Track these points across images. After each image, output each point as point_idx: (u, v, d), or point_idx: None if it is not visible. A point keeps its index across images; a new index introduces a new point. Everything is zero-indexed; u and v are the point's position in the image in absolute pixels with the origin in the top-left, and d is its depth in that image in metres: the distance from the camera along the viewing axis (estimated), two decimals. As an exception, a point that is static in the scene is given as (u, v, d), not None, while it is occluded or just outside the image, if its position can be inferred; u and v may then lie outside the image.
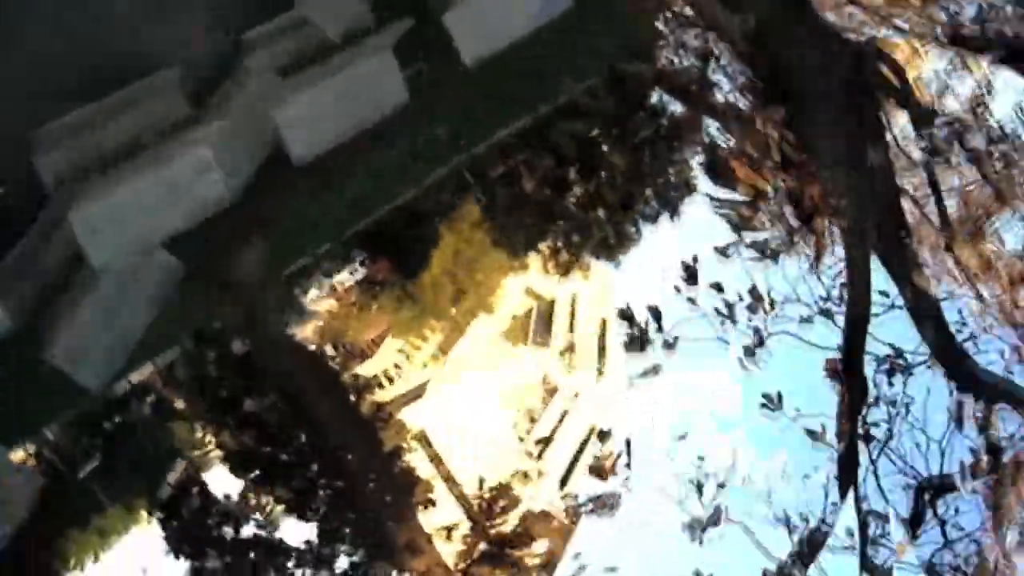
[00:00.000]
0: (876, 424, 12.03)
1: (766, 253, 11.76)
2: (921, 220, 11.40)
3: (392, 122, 10.40)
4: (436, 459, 13.74)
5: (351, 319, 13.32)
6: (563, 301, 14.71)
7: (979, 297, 11.25)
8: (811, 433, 12.18)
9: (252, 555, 12.05)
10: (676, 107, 11.99)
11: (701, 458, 12.03)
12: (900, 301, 11.58)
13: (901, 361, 11.90)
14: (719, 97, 11.82)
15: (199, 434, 12.31)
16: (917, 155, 11.21)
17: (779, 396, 12.18)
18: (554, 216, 12.23)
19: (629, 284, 13.33)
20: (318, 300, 13.03)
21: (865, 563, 11.95)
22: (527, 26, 9.99)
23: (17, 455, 10.44)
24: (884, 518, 11.91)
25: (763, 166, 11.22)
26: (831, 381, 12.06)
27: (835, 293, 11.90)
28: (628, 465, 12.42)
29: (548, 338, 14.40)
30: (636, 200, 12.08)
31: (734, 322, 12.01)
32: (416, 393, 14.01)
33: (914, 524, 11.91)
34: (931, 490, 11.88)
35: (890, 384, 11.99)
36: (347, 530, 12.33)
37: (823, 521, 12.12)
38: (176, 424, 12.15)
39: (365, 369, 13.53)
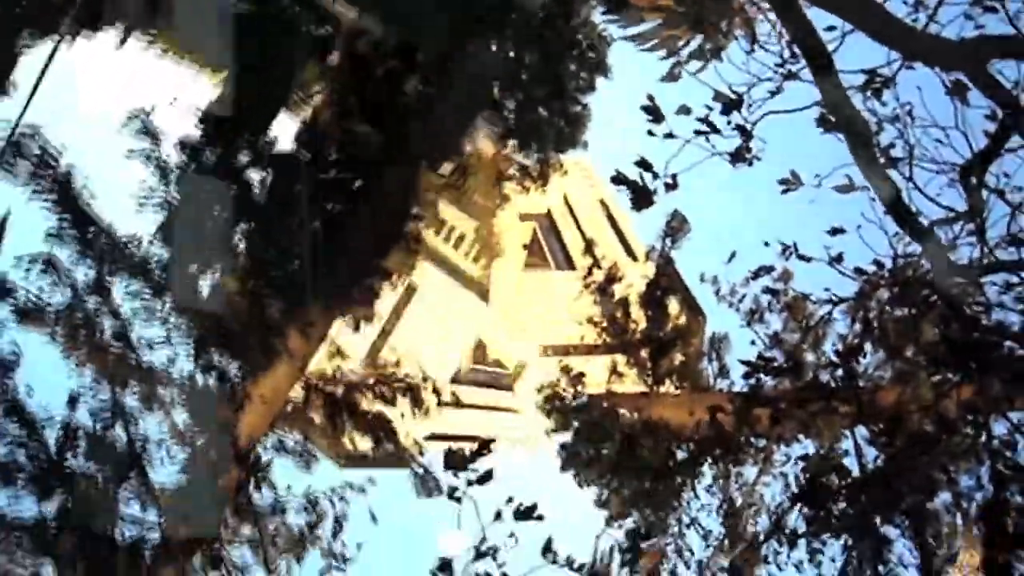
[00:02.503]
0: (892, 145, 11.71)
1: (707, 55, 11.57)
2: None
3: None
4: (400, 306, 13.97)
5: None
6: (557, 206, 14.93)
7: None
8: (841, 188, 11.80)
9: (253, 204, 12.37)
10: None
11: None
12: (848, 27, 10.94)
13: (879, 78, 11.56)
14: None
15: (319, 83, 12.59)
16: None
17: (793, 174, 11.96)
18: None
19: (605, 156, 13.66)
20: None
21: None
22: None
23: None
24: (948, 221, 11.57)
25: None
26: (830, 133, 11.54)
27: (786, 54, 11.73)
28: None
29: (564, 247, 14.38)
30: (564, 80, 11.90)
31: (718, 132, 11.58)
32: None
33: (976, 211, 11.45)
34: (974, 170, 11.30)
35: (882, 104, 11.67)
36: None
37: (896, 255, 12.26)
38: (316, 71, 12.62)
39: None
